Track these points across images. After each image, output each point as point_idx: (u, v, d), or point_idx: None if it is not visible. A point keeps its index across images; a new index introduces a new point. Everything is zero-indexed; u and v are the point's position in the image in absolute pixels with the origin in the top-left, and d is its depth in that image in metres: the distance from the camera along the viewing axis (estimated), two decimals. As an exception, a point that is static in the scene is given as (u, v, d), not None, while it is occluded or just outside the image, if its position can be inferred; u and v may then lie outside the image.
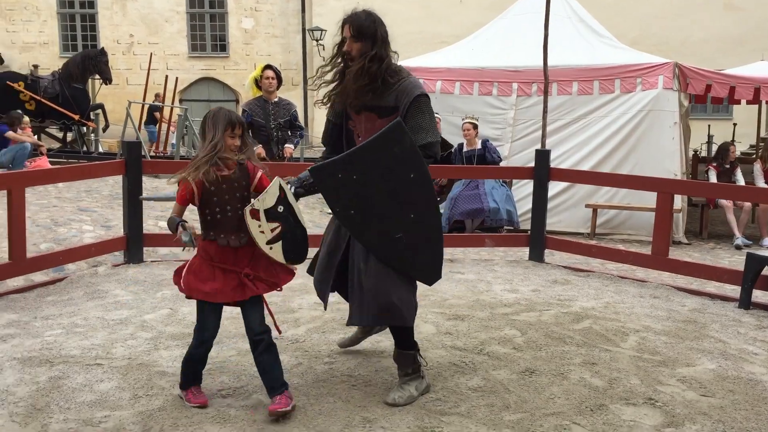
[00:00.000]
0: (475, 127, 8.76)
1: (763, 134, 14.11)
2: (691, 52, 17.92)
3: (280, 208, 3.18)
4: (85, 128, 15.33)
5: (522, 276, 6.08)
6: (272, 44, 22.32)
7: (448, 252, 7.23)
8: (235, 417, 3.22)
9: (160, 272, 5.78)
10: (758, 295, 5.42)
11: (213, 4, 22.59)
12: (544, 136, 8.47)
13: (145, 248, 6.21)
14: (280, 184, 3.20)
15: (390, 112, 3.47)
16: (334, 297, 3.80)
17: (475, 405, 3.42)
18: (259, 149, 6.81)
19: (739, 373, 3.90)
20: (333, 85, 3.59)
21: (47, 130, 15.62)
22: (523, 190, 9.00)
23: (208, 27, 22.84)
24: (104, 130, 15.92)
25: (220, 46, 22.89)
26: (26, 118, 12.66)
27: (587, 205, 8.99)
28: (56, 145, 15.61)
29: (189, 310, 4.76)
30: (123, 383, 3.56)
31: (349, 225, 3.37)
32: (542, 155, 6.76)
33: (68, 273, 5.80)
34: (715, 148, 13.38)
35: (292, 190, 3.27)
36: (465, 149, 8.78)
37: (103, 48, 16.13)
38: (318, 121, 19.80)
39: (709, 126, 15.12)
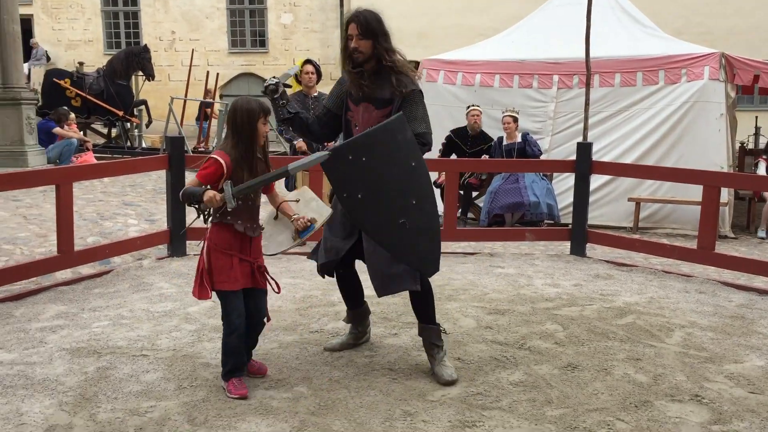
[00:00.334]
0: (516, 120, 8.69)
1: (813, 125, 13.71)
2: (738, 42, 17.46)
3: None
4: (128, 124, 15.61)
5: (563, 270, 6.02)
6: (311, 39, 22.41)
7: (488, 246, 7.23)
8: (277, 408, 3.26)
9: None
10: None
11: (252, 0, 22.77)
12: (585, 129, 8.36)
13: (188, 242, 6.30)
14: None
15: (386, 104, 3.69)
16: (369, 289, 3.79)
17: (516, 400, 3.40)
18: (299, 143, 6.85)
19: (789, 371, 3.81)
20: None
21: (92, 126, 15.94)
22: (564, 184, 8.90)
23: (247, 23, 23.04)
24: (147, 126, 16.20)
25: (260, 41, 23.07)
26: (72, 115, 12.95)
27: (630, 199, 8.84)
28: (101, 140, 15.93)
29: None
30: (168, 374, 3.62)
31: (354, 210, 3.48)
32: (584, 148, 6.68)
33: (114, 266, 5.92)
34: (762, 140, 13.05)
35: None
36: (505, 143, 8.72)
37: (146, 45, 16.40)
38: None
39: (756, 117, 14.72)
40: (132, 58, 14.97)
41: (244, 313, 3.36)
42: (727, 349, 4.14)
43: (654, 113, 8.91)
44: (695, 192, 7.20)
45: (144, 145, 16.09)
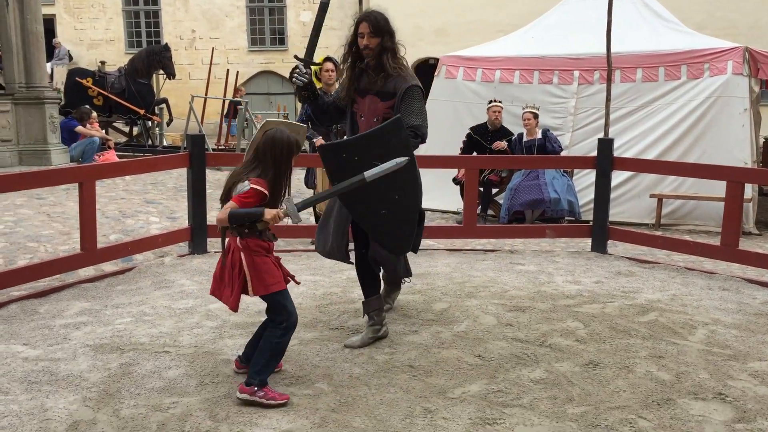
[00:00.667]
0: (536, 116, 8.64)
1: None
2: (761, 36, 17.22)
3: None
4: (150, 122, 15.74)
5: (584, 267, 5.98)
6: (330, 36, 22.37)
7: (508, 243, 7.21)
8: (298, 405, 3.27)
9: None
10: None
11: (272, -2, 22.86)
12: (607, 125, 8.29)
13: (209, 239, 6.35)
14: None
15: (390, 96, 4.04)
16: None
17: (537, 397, 3.38)
18: (318, 140, 6.87)
19: (815, 369, 3.76)
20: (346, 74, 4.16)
21: (114, 124, 16.10)
22: (585, 180, 8.84)
23: (267, 21, 23.11)
24: (168, 124, 16.33)
25: (279, 39, 23.14)
26: (94, 113, 13.09)
27: (652, 195, 8.75)
28: (123, 139, 16.08)
29: (252, 299, 4.83)
30: (190, 370, 3.65)
31: (344, 197, 3.77)
32: (605, 144, 6.62)
33: (136, 263, 5.97)
34: (787, 135, 12.86)
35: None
36: (525, 139, 8.67)
37: (166, 44, 16.52)
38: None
39: (781, 112, 14.53)
40: (153, 57, 15.10)
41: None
42: (751, 346, 4.09)
43: (676, 108, 8.82)
44: (718, 188, 7.12)
45: (165, 143, 16.23)
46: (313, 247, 6.76)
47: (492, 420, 3.15)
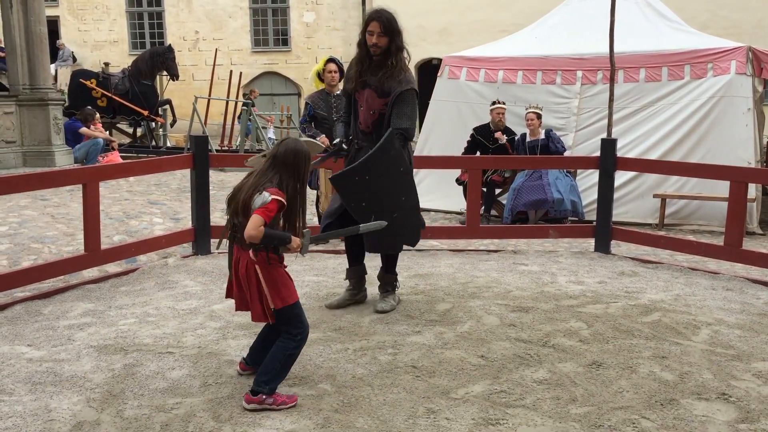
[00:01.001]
0: (539, 116, 8.64)
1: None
2: (765, 35, 17.20)
3: None
4: (153, 123, 15.77)
5: (587, 267, 5.98)
6: (333, 37, 22.47)
7: (511, 243, 7.21)
8: (301, 405, 3.28)
9: (227, 263, 5.90)
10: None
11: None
12: (610, 125, 8.28)
13: (212, 240, 6.36)
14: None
15: (387, 95, 4.41)
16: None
17: (540, 398, 3.38)
18: (322, 138, 6.91)
19: (819, 369, 3.75)
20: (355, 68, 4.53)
21: (118, 125, 16.13)
22: (588, 180, 8.83)
23: (270, 22, 23.15)
24: (172, 125, 16.36)
25: (282, 40, 23.18)
26: (96, 114, 13.12)
27: (655, 195, 8.75)
28: (126, 140, 16.11)
29: (255, 300, 4.86)
30: (193, 371, 3.66)
31: (359, 213, 4.22)
32: (608, 144, 6.62)
33: (140, 264, 5.99)
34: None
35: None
36: (528, 139, 8.67)
37: (170, 45, 16.56)
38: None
39: (784, 112, 14.50)
40: (156, 58, 15.12)
41: None
42: (754, 346, 4.08)
43: (680, 108, 8.81)
44: (722, 188, 7.11)
45: (169, 144, 16.26)
46: (316, 247, 6.76)
47: (495, 420, 3.15)
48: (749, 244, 6.84)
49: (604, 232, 6.59)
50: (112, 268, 5.87)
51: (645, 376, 3.63)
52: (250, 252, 3.18)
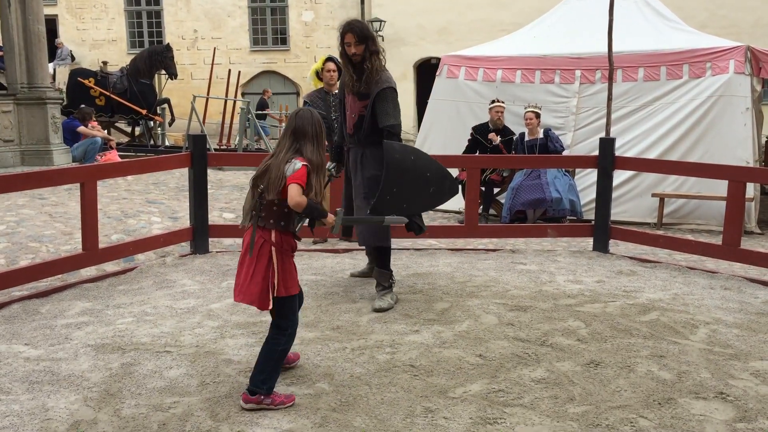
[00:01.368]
0: (538, 116, 8.64)
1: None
2: (764, 35, 17.21)
3: None
4: (152, 122, 15.76)
5: (586, 267, 5.98)
6: (332, 36, 22.43)
7: (509, 242, 7.20)
8: (299, 404, 3.27)
9: (225, 262, 5.91)
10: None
11: (274, -2, 22.88)
12: (608, 124, 8.28)
13: (210, 239, 6.35)
14: None
15: (366, 97, 4.74)
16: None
17: (538, 397, 3.38)
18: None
19: (817, 368, 3.75)
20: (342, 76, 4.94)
21: (116, 124, 16.11)
22: (587, 180, 8.83)
23: (269, 21, 23.14)
24: (170, 124, 16.35)
25: (281, 39, 23.16)
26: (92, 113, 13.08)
27: (654, 195, 8.75)
28: (125, 139, 16.09)
29: (253, 299, 4.85)
30: (191, 370, 3.66)
31: (409, 213, 4.56)
32: (607, 143, 6.62)
33: (138, 263, 5.98)
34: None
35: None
36: (527, 138, 8.67)
37: (168, 44, 16.54)
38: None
39: (783, 111, 14.51)
40: (155, 57, 15.11)
41: None
42: (752, 346, 4.09)
43: (678, 108, 8.82)
44: (720, 187, 7.11)
45: (167, 143, 16.24)
46: (315, 247, 6.76)
47: (493, 419, 3.15)
48: (747, 244, 6.84)
49: (603, 231, 6.59)
50: (109, 267, 5.86)
51: (643, 375, 3.63)
52: (273, 234, 3.23)
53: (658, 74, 8.94)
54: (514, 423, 3.12)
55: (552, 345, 4.04)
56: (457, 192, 5.06)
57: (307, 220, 3.34)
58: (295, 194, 3.16)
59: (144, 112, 14.95)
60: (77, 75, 15.16)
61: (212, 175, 9.29)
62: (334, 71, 7.28)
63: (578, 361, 3.81)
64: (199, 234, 6.26)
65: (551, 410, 3.24)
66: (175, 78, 15.79)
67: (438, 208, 9.37)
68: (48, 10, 15.84)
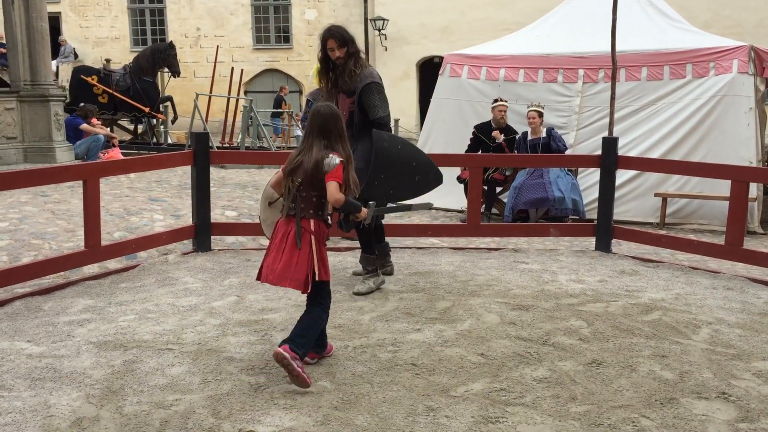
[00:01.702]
0: (541, 115, 8.63)
1: None
2: (767, 34, 17.17)
3: None
4: (155, 120, 15.77)
5: (588, 266, 5.97)
6: (335, 35, 22.43)
7: (512, 241, 7.20)
8: (301, 403, 3.27)
9: (227, 260, 5.91)
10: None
11: (277, -4, 22.87)
12: (611, 124, 8.27)
13: (212, 237, 6.36)
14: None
15: (353, 93, 5.03)
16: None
17: (540, 396, 3.38)
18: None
19: (819, 369, 3.74)
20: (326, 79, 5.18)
21: (119, 122, 16.12)
22: (590, 179, 8.83)
23: (272, 19, 23.15)
24: (173, 122, 16.36)
25: (284, 37, 23.17)
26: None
27: (657, 194, 8.74)
28: (127, 136, 16.10)
29: (255, 297, 4.86)
30: (193, 368, 3.66)
31: (394, 189, 4.84)
32: (609, 143, 6.61)
33: (140, 260, 5.98)
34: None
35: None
36: (530, 138, 8.66)
37: (171, 42, 16.55)
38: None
39: (786, 111, 14.48)
40: (158, 55, 15.11)
41: None
42: (755, 346, 4.08)
43: (681, 107, 8.81)
44: (723, 187, 7.10)
45: (169, 141, 16.25)
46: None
47: (494, 418, 3.15)
48: (750, 244, 6.83)
49: (605, 230, 6.58)
50: (112, 264, 5.86)
51: (645, 374, 3.63)
52: (312, 223, 3.46)
53: (662, 74, 8.93)
54: (516, 422, 3.12)
55: (554, 344, 4.04)
56: (441, 182, 5.18)
57: (343, 215, 3.61)
58: (334, 191, 3.42)
59: (147, 109, 14.96)
60: (80, 72, 15.17)
61: (215, 173, 9.29)
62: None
63: (580, 360, 3.81)
64: (202, 232, 6.26)
65: (553, 409, 3.24)
66: (178, 76, 15.81)
67: (440, 206, 9.40)
68: (51, 8, 15.83)
